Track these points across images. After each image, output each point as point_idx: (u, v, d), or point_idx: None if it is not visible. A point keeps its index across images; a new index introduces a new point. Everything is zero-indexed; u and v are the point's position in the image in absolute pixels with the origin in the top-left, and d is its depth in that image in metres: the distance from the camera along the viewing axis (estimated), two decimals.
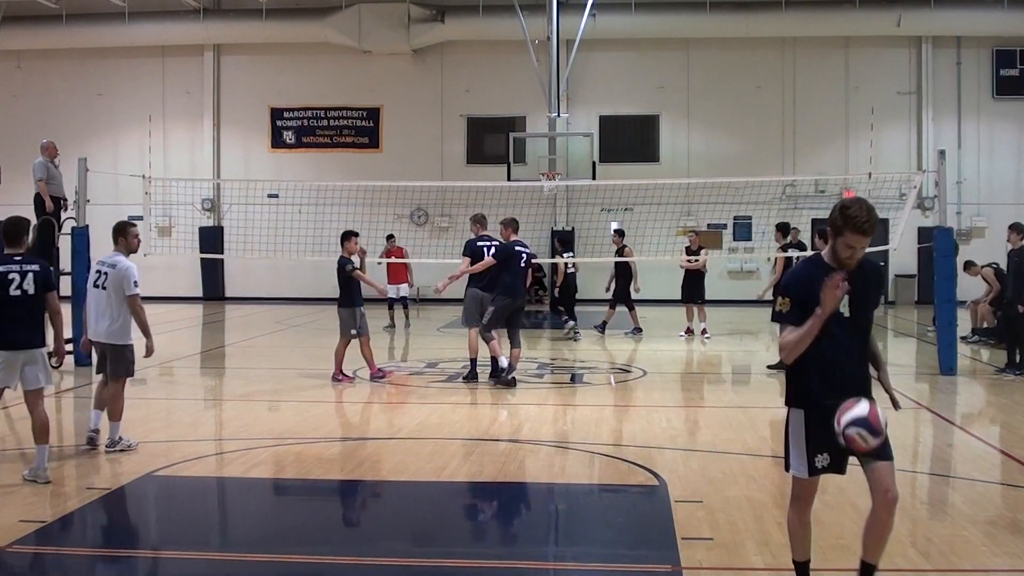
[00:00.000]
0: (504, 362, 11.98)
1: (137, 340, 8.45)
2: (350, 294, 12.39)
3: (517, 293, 12.00)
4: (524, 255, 12.08)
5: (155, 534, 6.51)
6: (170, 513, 7.07)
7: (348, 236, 12.87)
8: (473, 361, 12.37)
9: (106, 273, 8.29)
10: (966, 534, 6.01)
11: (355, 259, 12.73)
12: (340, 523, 6.77)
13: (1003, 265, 14.68)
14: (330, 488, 7.54)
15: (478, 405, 11.13)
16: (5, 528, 6.05)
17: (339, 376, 12.41)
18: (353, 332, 12.32)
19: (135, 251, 8.56)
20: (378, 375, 12.52)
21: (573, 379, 13.25)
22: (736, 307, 24.26)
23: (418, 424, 10.13)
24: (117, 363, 8.37)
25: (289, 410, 10.83)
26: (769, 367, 13.65)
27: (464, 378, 12.37)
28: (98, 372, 8.70)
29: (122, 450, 8.35)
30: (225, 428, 9.91)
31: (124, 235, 8.43)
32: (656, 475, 7.56)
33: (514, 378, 12.03)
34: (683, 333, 18.16)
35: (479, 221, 12.59)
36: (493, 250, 12.13)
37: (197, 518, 7.00)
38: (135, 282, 8.20)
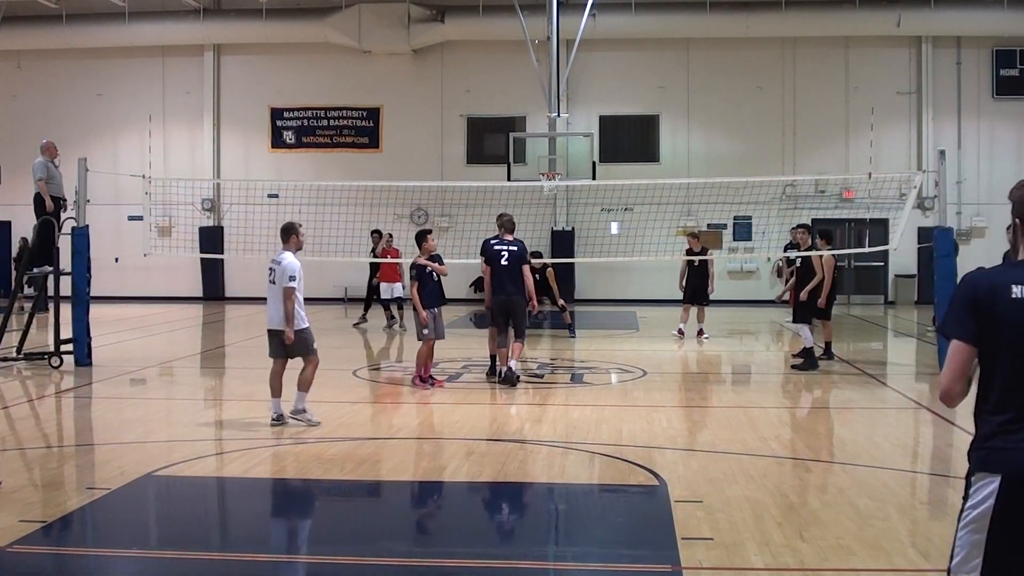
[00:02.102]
0: (513, 364, 12.09)
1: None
2: (420, 297, 11.81)
3: (497, 290, 12.23)
4: (504, 253, 12.17)
5: (155, 534, 6.50)
6: (170, 513, 7.07)
7: (424, 235, 12.38)
8: (492, 357, 12.63)
9: (274, 269, 9.45)
10: None
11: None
12: (340, 523, 6.76)
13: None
14: (330, 488, 7.53)
15: (478, 405, 11.13)
16: (5, 528, 6.05)
17: (416, 381, 11.98)
18: (426, 332, 11.83)
19: (301, 248, 9.72)
20: (426, 381, 12.00)
21: (573, 379, 13.26)
22: (736, 307, 24.27)
23: (418, 424, 10.14)
24: (301, 346, 9.44)
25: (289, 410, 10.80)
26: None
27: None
28: (271, 356, 9.59)
29: (304, 422, 9.28)
30: (225, 428, 9.90)
31: (295, 234, 9.60)
32: (656, 475, 7.56)
33: (516, 376, 12.10)
34: (676, 332, 17.94)
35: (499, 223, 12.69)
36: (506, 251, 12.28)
37: (197, 518, 7.00)
38: (291, 276, 9.29)
